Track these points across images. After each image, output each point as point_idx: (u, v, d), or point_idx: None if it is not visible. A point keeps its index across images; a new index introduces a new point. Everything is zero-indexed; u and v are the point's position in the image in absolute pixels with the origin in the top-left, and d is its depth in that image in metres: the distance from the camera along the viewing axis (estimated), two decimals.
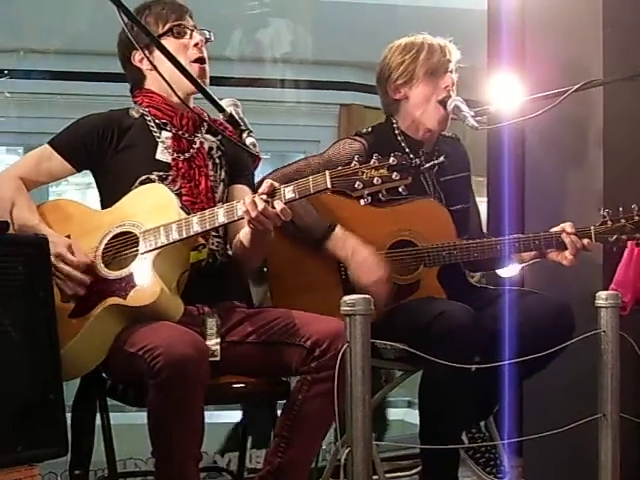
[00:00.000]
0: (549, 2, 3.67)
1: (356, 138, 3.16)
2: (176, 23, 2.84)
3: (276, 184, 2.58)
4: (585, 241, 2.98)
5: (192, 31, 2.86)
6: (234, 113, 2.64)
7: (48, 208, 2.85)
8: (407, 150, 3.14)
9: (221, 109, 2.64)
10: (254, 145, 2.60)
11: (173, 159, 2.82)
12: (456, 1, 6.24)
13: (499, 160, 3.39)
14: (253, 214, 2.56)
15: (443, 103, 3.10)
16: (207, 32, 2.90)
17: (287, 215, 2.57)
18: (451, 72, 3.12)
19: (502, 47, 3.76)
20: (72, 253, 2.67)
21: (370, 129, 3.20)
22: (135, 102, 2.91)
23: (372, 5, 6.87)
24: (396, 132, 3.19)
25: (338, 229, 3.00)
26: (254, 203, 2.55)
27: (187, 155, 2.83)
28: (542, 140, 3.65)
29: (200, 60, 2.85)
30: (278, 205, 2.55)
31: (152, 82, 2.87)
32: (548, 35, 3.67)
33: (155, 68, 2.65)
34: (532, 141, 3.74)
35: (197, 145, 2.86)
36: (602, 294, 2.69)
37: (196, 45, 2.84)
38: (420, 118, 3.15)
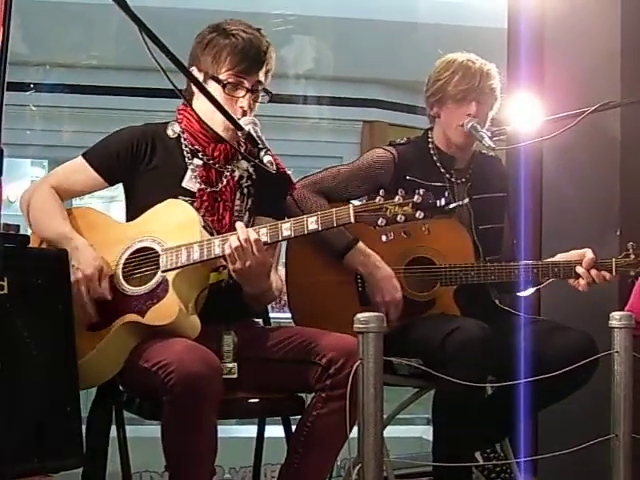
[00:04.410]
0: (568, 24, 3.69)
1: (387, 148, 3.17)
2: (238, 76, 2.75)
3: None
4: (593, 273, 2.98)
5: (245, 93, 2.76)
6: (252, 131, 2.63)
7: (78, 213, 2.86)
8: (439, 164, 3.17)
9: (240, 127, 2.64)
10: (271, 163, 2.60)
11: (199, 189, 2.78)
12: (477, 19, 6.27)
13: (517, 180, 3.40)
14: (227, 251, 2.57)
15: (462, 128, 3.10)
16: (268, 95, 2.80)
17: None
18: (478, 102, 3.08)
19: (521, 67, 3.77)
20: (100, 279, 2.66)
21: (406, 140, 3.22)
22: (177, 118, 2.87)
23: (394, 23, 6.89)
24: (430, 146, 3.20)
25: (360, 244, 3.02)
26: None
27: (214, 188, 2.80)
28: (559, 161, 3.66)
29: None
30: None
31: (200, 104, 2.76)
32: (567, 56, 3.68)
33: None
34: (549, 162, 3.75)
35: (227, 177, 2.82)
36: (616, 315, 2.68)
37: (241, 107, 2.75)
38: (450, 137, 3.15)
